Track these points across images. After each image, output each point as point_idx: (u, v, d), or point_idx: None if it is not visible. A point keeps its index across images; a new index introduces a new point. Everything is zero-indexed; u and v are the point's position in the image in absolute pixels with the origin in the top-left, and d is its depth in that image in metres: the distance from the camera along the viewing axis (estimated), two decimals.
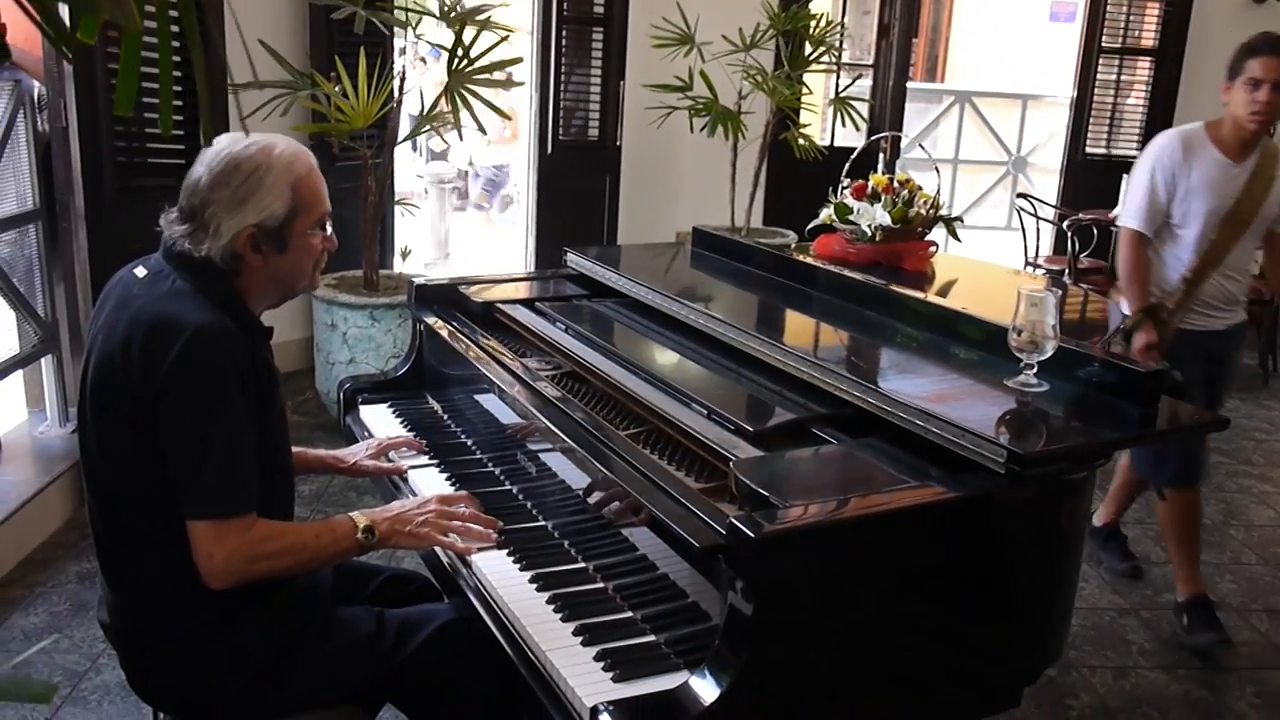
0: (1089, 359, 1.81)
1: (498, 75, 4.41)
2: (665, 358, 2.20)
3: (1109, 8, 6.96)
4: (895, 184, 2.90)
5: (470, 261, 7.86)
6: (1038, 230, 6.50)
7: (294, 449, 1.94)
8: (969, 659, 1.67)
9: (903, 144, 7.34)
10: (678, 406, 1.88)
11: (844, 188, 2.97)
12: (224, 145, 1.68)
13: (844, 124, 5.92)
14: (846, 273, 2.49)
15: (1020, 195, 6.82)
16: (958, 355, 2.02)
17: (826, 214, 2.97)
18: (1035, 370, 1.78)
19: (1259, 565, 3.65)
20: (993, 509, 1.56)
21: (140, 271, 1.72)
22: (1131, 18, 7.01)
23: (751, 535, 1.34)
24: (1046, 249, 6.81)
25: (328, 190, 1.79)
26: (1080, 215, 6.02)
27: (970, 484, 1.53)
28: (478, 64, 4.29)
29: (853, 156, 3.16)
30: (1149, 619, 3.23)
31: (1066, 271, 5.92)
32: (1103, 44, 7.00)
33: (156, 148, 4.10)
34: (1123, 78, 7.12)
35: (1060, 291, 1.75)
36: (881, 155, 6.72)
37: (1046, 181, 7.44)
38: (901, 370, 2.03)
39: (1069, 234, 5.90)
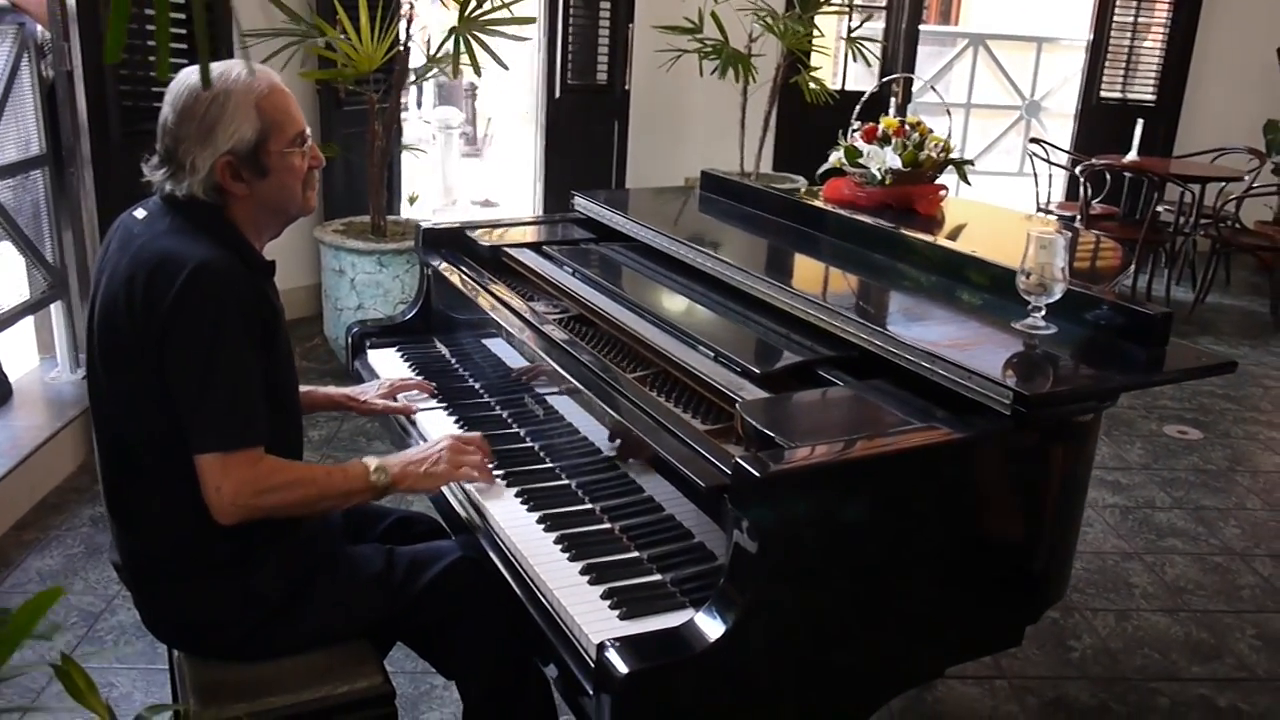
0: (1098, 302, 1.81)
1: (509, 29, 4.36)
2: (672, 301, 2.20)
3: None
4: (906, 127, 2.87)
5: (479, 207, 7.83)
6: (1050, 176, 6.45)
7: (303, 388, 1.96)
8: (972, 599, 1.69)
9: (914, 88, 7.25)
10: (684, 349, 1.88)
11: (854, 131, 2.94)
12: (183, 80, 1.67)
13: (855, 60, 5.85)
14: (855, 216, 2.47)
15: (1033, 140, 6.75)
16: (966, 298, 2.02)
17: (836, 157, 2.94)
18: (1043, 313, 1.77)
19: (1264, 510, 3.67)
20: (998, 450, 1.57)
21: (140, 213, 1.72)
22: None
23: (757, 475, 1.35)
24: (1059, 194, 6.77)
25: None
26: (1094, 161, 5.96)
27: (976, 426, 1.54)
28: (490, 14, 4.25)
29: (863, 99, 3.13)
30: (1152, 563, 3.25)
31: (1078, 217, 5.88)
32: None
33: (162, 92, 4.07)
34: (1140, 20, 7.02)
35: (1070, 235, 1.74)
36: (893, 99, 6.64)
37: (1060, 126, 7.36)
38: (909, 313, 2.03)
39: (1082, 179, 5.85)
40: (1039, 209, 6.40)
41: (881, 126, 2.89)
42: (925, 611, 1.63)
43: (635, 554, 1.68)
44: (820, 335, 1.88)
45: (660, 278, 2.33)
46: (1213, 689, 2.66)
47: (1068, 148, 6.93)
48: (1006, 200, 7.50)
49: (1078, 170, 5.95)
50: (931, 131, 2.88)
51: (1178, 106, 7.08)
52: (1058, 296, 1.76)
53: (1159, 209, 5.96)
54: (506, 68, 4.28)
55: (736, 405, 1.61)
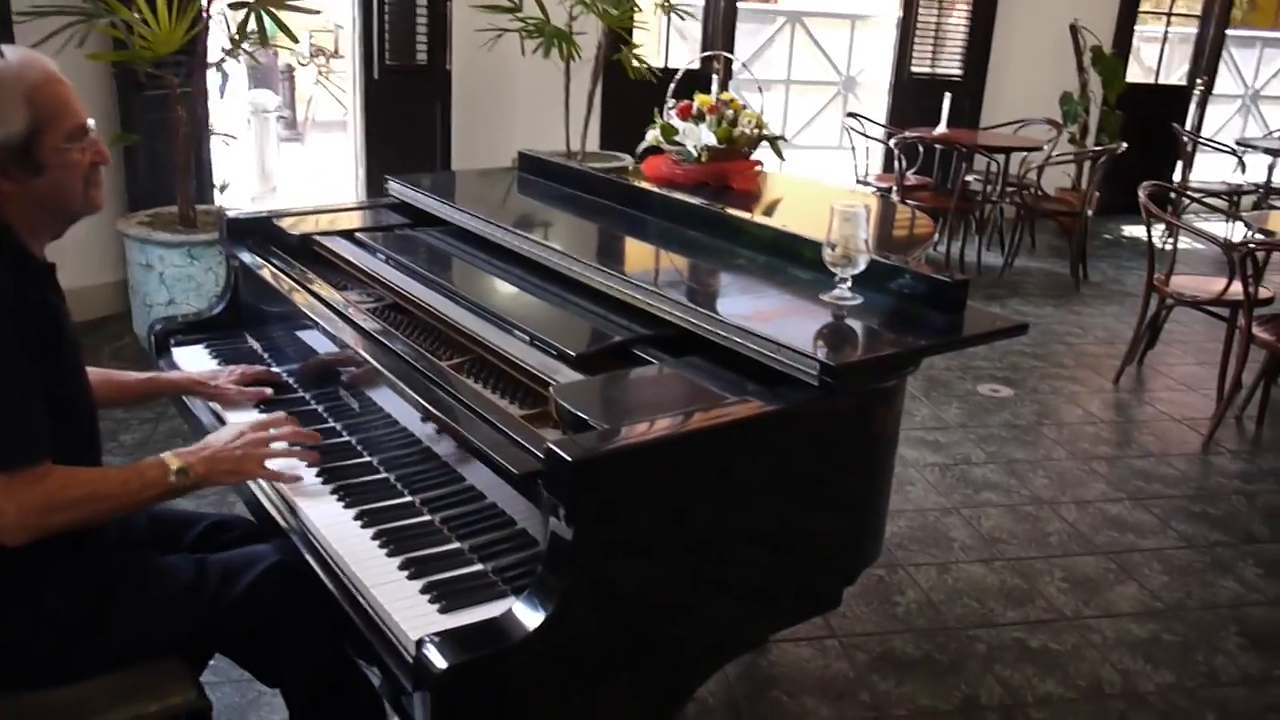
0: (901, 271, 1.87)
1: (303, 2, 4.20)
2: (488, 285, 2.16)
3: None
4: (720, 104, 2.91)
5: (301, 194, 7.55)
6: (867, 149, 6.66)
7: (145, 375, 1.90)
8: (792, 565, 1.73)
9: (735, 65, 7.36)
10: (500, 334, 1.85)
11: (670, 109, 2.96)
12: None
13: (669, 34, 5.87)
14: (670, 194, 2.49)
15: (850, 114, 6.96)
16: (778, 272, 2.05)
17: (653, 135, 2.96)
18: (850, 284, 1.82)
19: (1068, 460, 3.90)
20: (808, 419, 1.60)
21: None
22: None
23: (568, 459, 1.33)
24: (877, 167, 7.00)
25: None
26: (906, 134, 6.19)
27: (786, 397, 1.56)
28: None
29: (677, 76, 3.15)
30: (969, 516, 3.42)
31: (894, 188, 6.10)
32: None
33: None
34: None
35: (868, 208, 1.79)
36: (715, 76, 6.73)
37: (876, 101, 7.62)
38: (722, 288, 2.06)
39: (896, 152, 6.07)
40: (858, 181, 6.62)
41: (696, 104, 2.92)
42: (746, 583, 1.66)
43: (456, 545, 1.65)
44: (638, 315, 1.88)
45: (476, 262, 2.28)
46: (1026, 631, 2.82)
47: (883, 121, 7.18)
48: (828, 173, 7.73)
49: (892, 143, 6.17)
50: (745, 108, 2.92)
51: (982, 81, 7.43)
52: (862, 268, 1.80)
53: (968, 179, 6.25)
54: (296, 40, 4.14)
55: (550, 389, 1.59)
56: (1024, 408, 4.38)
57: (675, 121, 2.90)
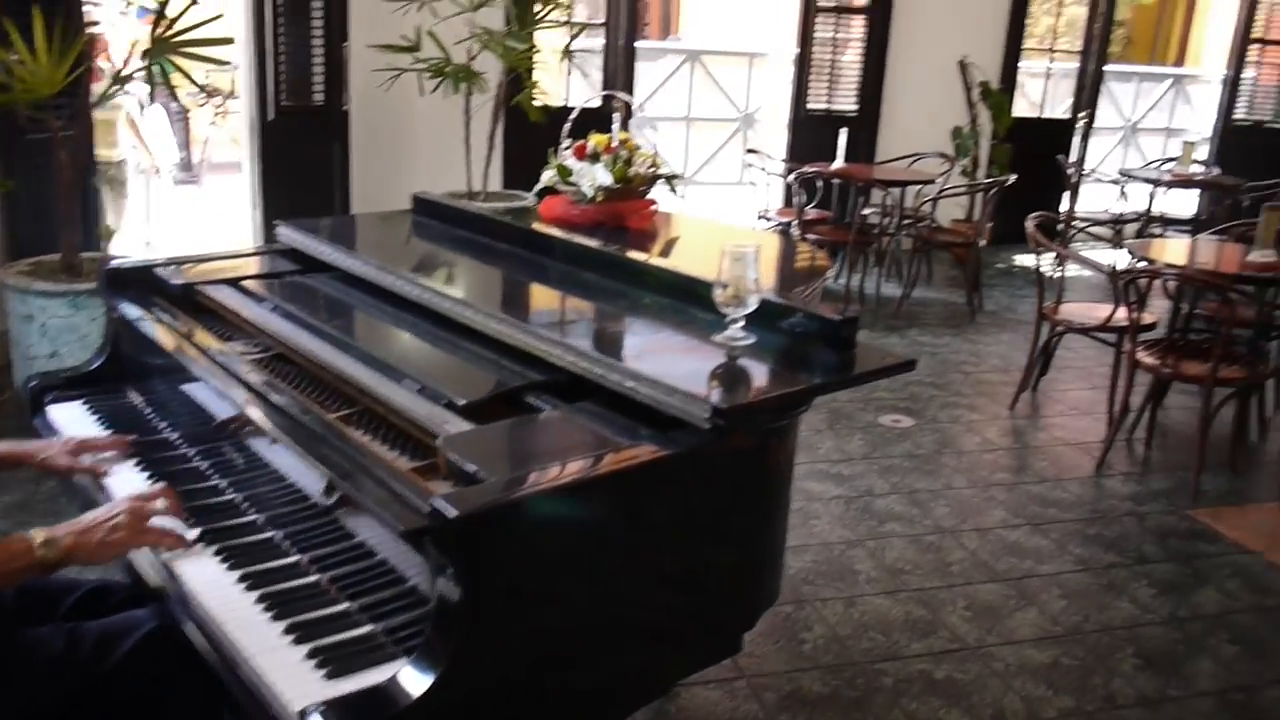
0: (791, 310, 1.88)
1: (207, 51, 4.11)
2: (378, 333, 2.12)
3: None
4: (615, 144, 2.92)
5: (195, 240, 7.35)
6: (768, 184, 6.76)
7: None
8: (690, 609, 1.71)
9: (634, 104, 7.43)
10: (388, 384, 1.81)
11: (565, 149, 2.95)
12: None
13: (570, 74, 5.90)
14: (562, 235, 2.48)
15: (749, 150, 7.07)
16: (673, 312, 2.04)
17: (549, 175, 2.94)
18: (742, 324, 1.82)
19: (968, 488, 3.97)
20: (700, 462, 1.59)
21: None
22: None
23: (451, 515, 1.30)
24: (778, 202, 7.10)
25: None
26: (804, 169, 6.30)
27: (678, 440, 1.55)
28: (184, 33, 3.99)
29: (572, 116, 3.15)
30: (874, 548, 3.45)
31: (794, 223, 6.20)
32: (819, 3, 7.32)
33: None
34: (838, 35, 7.49)
35: (759, 247, 1.79)
36: (616, 115, 6.77)
37: (776, 137, 7.75)
38: (616, 331, 2.04)
39: (795, 187, 6.17)
40: (759, 216, 6.71)
41: (592, 144, 2.92)
42: (646, 629, 1.63)
43: (345, 606, 1.59)
44: (531, 361, 1.85)
45: (366, 309, 2.23)
46: (931, 662, 2.85)
47: (782, 157, 7.30)
48: (730, 209, 7.83)
49: (790, 178, 6.27)
50: (639, 148, 2.93)
51: (877, 116, 7.61)
52: (753, 308, 1.81)
53: (866, 212, 6.38)
54: (201, 88, 4.05)
55: (438, 440, 1.55)
56: (925, 437, 4.46)
57: (570, 162, 2.89)
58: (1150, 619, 3.13)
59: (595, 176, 2.84)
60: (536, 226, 2.58)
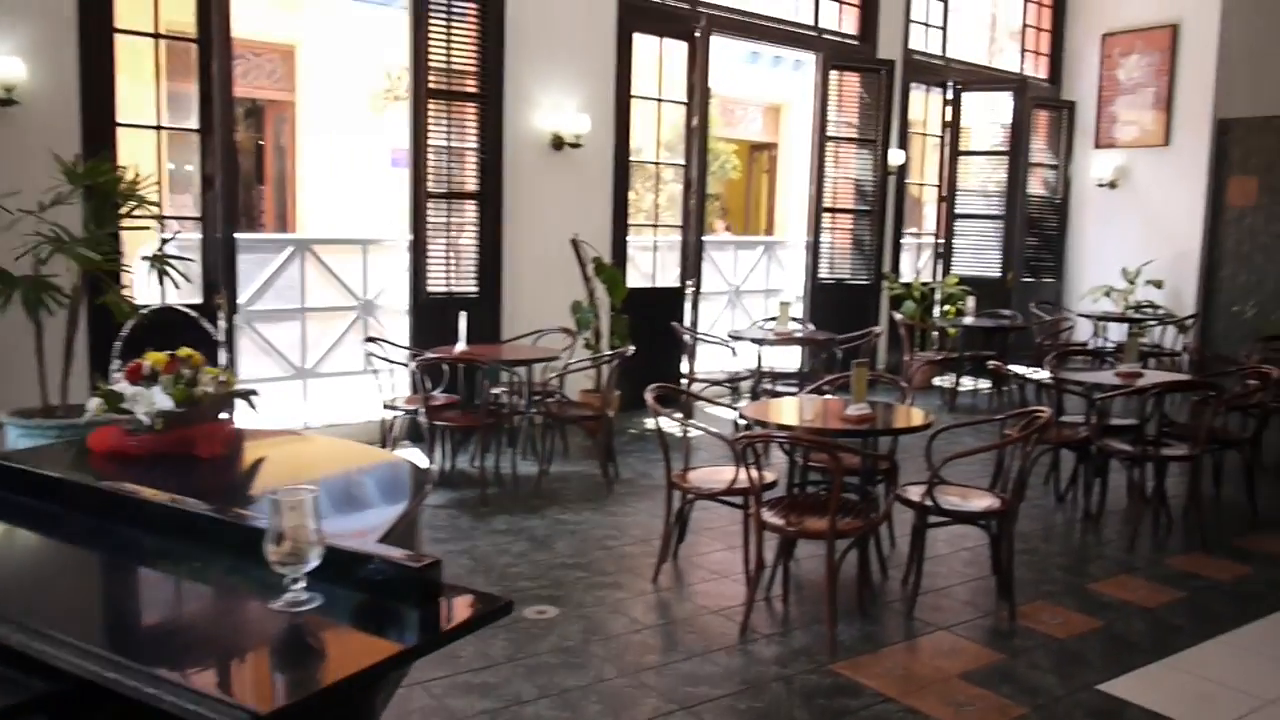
0: (367, 558, 1.61)
1: None
2: None
3: (430, 156, 7.32)
4: (177, 360, 2.56)
5: None
6: (392, 371, 6.51)
7: None
8: None
9: (242, 298, 6.98)
10: None
11: (115, 371, 2.55)
12: None
13: (161, 284, 5.40)
14: (89, 482, 2.06)
15: (369, 339, 6.81)
16: (229, 574, 1.71)
17: (97, 404, 2.53)
18: (303, 584, 1.53)
19: (619, 678, 3.79)
20: None
21: None
22: (452, 165, 7.44)
23: None
24: (404, 389, 6.85)
25: None
26: (427, 354, 6.12)
27: None
28: None
29: (129, 324, 2.76)
30: None
31: (420, 410, 5.96)
32: (429, 189, 7.32)
33: None
34: (452, 220, 7.50)
35: (315, 494, 1.52)
36: (218, 312, 6.30)
37: (398, 322, 7.56)
38: (146, 612, 1.67)
39: (419, 373, 5.96)
40: (386, 406, 6.42)
41: (148, 363, 2.54)
42: None
43: None
44: (34, 666, 1.44)
45: None
46: None
47: (406, 342, 7.09)
48: (354, 401, 7.47)
49: (413, 365, 6.06)
50: (205, 363, 2.59)
51: (498, 296, 7.63)
52: (316, 563, 1.53)
53: (495, 392, 6.27)
54: None
55: None
56: (571, 626, 4.26)
57: (122, 386, 2.50)
58: None
59: (153, 401, 2.46)
60: (50, 472, 2.14)
